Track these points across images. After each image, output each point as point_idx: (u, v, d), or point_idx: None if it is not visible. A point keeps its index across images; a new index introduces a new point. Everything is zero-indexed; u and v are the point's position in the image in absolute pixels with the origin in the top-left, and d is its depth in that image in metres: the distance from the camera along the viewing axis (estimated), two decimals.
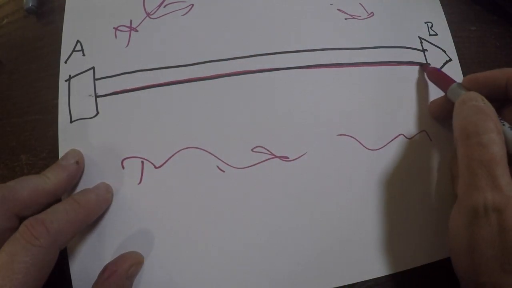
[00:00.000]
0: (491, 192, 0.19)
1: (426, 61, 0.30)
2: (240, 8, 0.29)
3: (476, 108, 0.22)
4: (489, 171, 0.20)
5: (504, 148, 0.21)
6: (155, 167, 0.25)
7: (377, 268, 0.25)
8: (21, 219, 0.20)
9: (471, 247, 0.20)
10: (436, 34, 0.31)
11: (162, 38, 0.28)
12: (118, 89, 0.27)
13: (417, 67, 0.30)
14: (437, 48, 0.31)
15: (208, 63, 0.28)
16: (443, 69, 0.31)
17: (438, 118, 0.29)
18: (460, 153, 0.22)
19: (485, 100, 0.23)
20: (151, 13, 0.29)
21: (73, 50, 0.27)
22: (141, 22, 0.28)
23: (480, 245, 0.20)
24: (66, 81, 0.27)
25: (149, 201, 0.25)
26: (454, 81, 0.26)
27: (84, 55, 0.27)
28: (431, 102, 0.29)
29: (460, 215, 0.21)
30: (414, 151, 0.28)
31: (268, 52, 0.28)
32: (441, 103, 0.27)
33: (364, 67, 0.29)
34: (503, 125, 0.22)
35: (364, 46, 0.30)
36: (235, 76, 0.28)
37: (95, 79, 0.27)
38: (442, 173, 0.28)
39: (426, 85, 0.30)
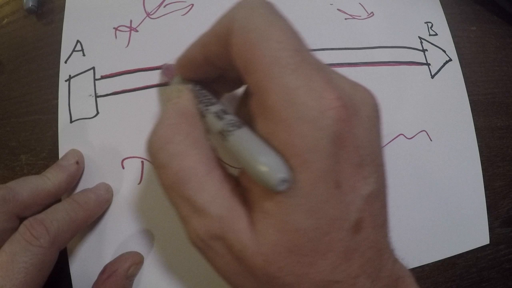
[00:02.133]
0: (197, 219, 0.16)
1: (426, 61, 0.30)
2: None
3: (170, 113, 0.17)
4: (182, 195, 0.16)
5: (202, 153, 0.16)
6: None
7: None
8: (21, 219, 0.20)
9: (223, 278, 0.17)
10: (436, 34, 0.31)
11: (162, 38, 0.28)
12: (118, 89, 0.27)
13: (417, 67, 0.30)
14: (437, 48, 0.31)
15: None
16: (443, 69, 0.31)
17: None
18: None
19: (185, 92, 0.18)
20: (151, 13, 0.29)
21: (73, 50, 0.27)
22: (141, 22, 0.28)
23: (227, 278, 0.17)
24: (66, 81, 0.27)
25: (149, 201, 0.25)
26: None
27: (84, 55, 0.27)
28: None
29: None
30: (414, 151, 0.28)
31: None
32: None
33: (364, 67, 0.29)
34: (209, 106, 0.18)
35: (364, 46, 0.30)
36: None
37: (95, 79, 0.27)
38: (442, 173, 0.28)
39: (426, 85, 0.30)
